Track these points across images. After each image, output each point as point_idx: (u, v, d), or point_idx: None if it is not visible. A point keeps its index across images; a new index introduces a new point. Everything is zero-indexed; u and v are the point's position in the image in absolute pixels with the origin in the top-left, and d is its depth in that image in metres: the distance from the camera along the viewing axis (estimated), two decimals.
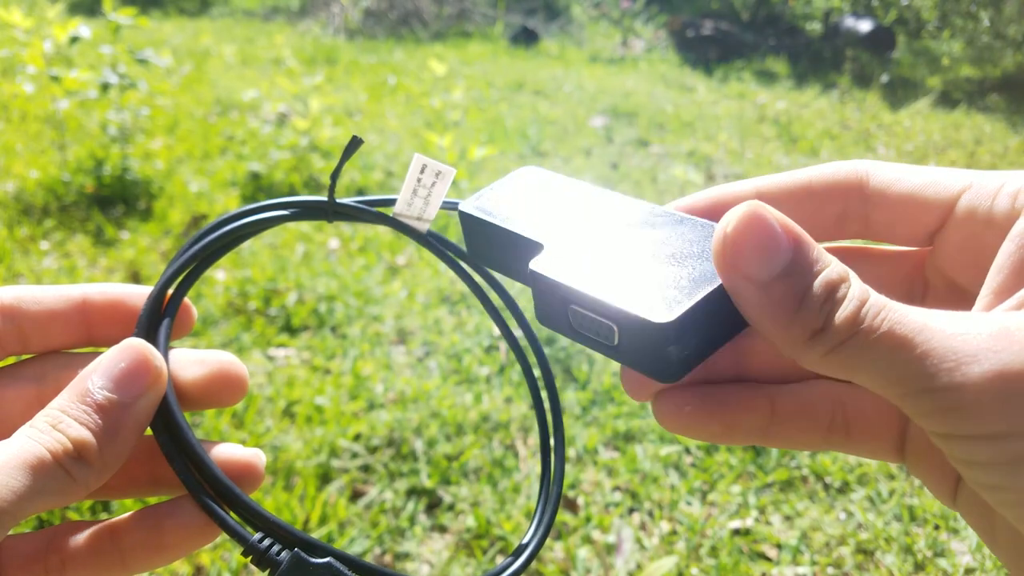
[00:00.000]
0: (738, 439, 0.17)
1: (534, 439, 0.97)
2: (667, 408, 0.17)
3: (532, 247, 0.18)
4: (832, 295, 0.14)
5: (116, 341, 0.18)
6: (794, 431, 0.17)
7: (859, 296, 0.14)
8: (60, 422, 0.16)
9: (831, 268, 0.14)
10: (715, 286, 0.16)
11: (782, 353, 0.15)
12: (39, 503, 0.14)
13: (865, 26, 3.88)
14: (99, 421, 0.16)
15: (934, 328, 0.13)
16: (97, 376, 0.16)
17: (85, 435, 0.15)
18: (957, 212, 0.17)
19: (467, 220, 0.20)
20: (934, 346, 0.13)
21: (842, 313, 0.14)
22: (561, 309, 0.17)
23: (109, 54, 1.70)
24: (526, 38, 4.12)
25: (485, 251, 0.20)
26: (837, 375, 0.14)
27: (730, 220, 0.15)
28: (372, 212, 0.22)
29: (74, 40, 1.49)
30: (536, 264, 0.17)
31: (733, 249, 0.15)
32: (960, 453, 0.13)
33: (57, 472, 0.15)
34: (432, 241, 0.22)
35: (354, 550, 0.77)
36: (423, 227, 0.22)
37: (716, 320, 0.16)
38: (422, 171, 0.20)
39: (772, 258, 0.14)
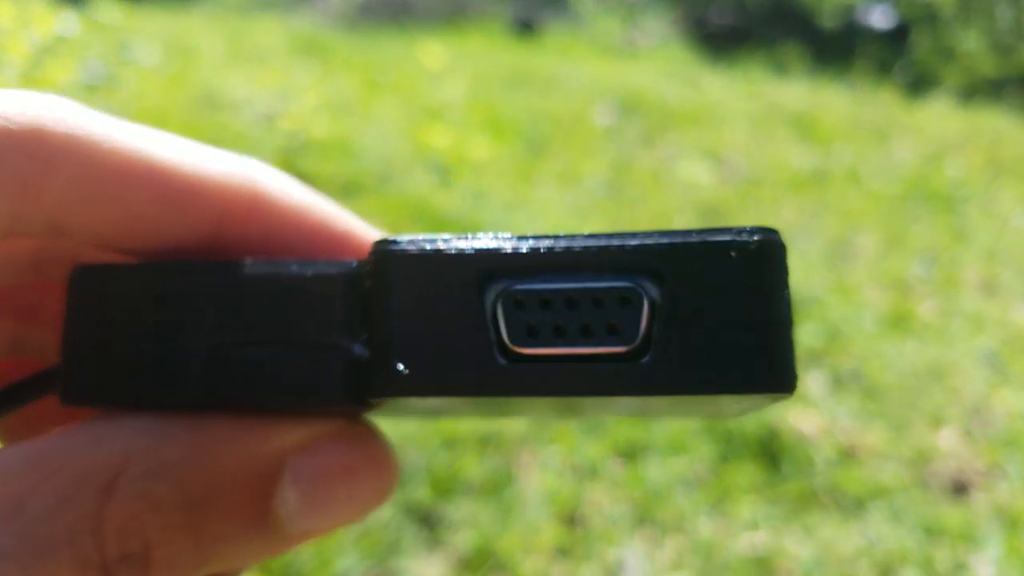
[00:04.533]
0: None
1: (533, 453, 0.95)
2: None
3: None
4: None
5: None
6: None
7: None
8: None
9: None
10: None
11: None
12: None
13: (882, 21, 3.83)
14: None
15: None
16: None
17: None
18: None
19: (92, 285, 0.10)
20: None
21: None
22: (474, 317, 0.09)
23: (93, 50, 1.68)
24: (528, 30, 4.08)
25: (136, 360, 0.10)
26: None
27: None
28: None
29: (59, 36, 1.47)
30: (394, 244, 0.09)
31: None
32: None
33: None
34: None
35: (345, 563, 0.76)
36: None
37: None
38: None
39: None
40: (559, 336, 0.09)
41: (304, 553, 0.75)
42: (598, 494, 0.87)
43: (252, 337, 0.09)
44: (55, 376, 0.10)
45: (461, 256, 0.09)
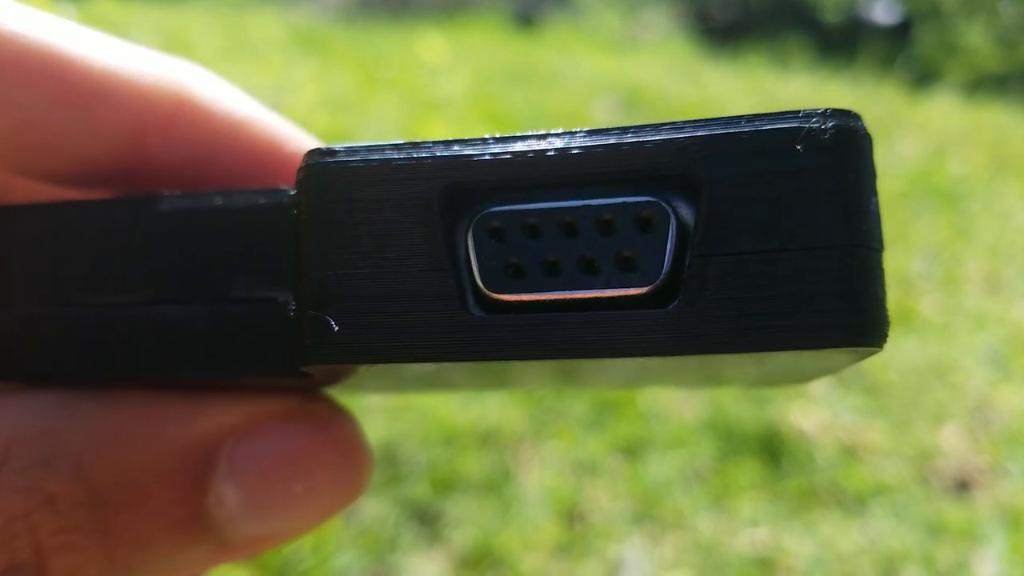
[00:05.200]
0: None
1: (533, 449, 0.94)
2: None
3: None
4: None
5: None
6: None
7: None
8: None
9: None
10: None
11: None
12: None
13: (886, 15, 3.82)
14: None
15: None
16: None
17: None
18: None
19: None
20: None
21: None
22: (437, 253, 0.06)
23: None
24: (528, 24, 4.06)
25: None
26: None
27: None
28: None
29: None
30: (328, 155, 0.07)
31: None
32: None
33: None
34: None
35: (343, 560, 0.75)
36: None
37: None
38: None
39: None
40: (552, 275, 0.06)
41: (301, 549, 0.74)
42: (598, 491, 0.86)
43: (167, 292, 0.07)
44: None
45: (418, 167, 0.06)
